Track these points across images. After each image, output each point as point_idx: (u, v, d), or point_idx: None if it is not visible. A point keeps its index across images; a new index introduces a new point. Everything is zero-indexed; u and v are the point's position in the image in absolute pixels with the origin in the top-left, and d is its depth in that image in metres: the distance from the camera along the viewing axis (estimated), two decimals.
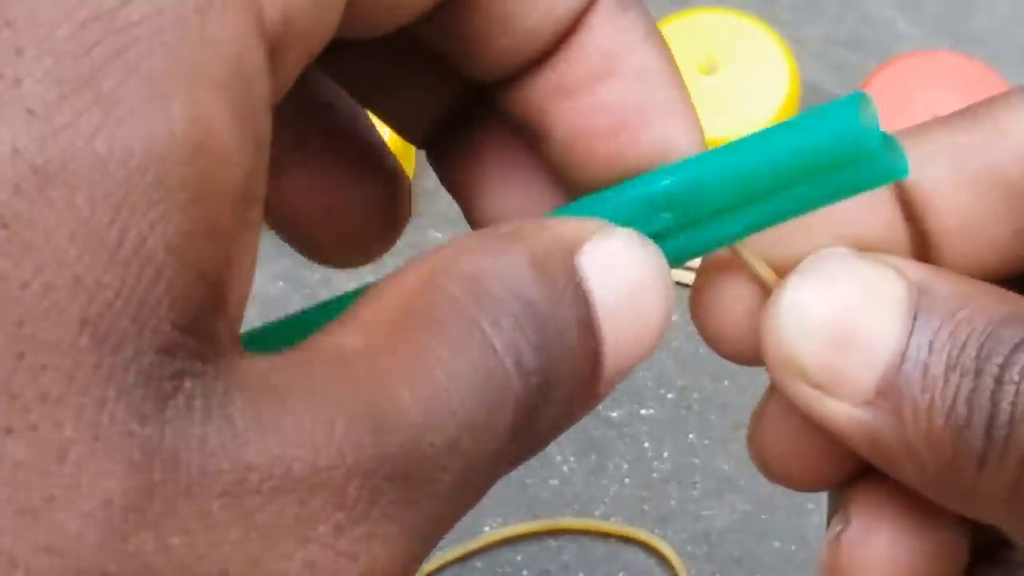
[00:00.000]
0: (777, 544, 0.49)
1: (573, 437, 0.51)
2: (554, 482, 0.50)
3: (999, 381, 0.19)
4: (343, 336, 0.18)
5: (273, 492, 0.16)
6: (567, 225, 0.20)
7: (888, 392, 0.20)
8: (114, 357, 0.16)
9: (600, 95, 0.22)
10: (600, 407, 0.52)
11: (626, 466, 0.51)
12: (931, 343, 0.20)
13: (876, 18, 0.61)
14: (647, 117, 0.22)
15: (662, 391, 0.52)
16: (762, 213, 0.21)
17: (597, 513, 0.50)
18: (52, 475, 0.15)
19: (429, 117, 0.25)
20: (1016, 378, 0.19)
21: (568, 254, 0.20)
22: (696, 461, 0.50)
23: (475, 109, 0.25)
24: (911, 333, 0.20)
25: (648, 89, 0.22)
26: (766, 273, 0.22)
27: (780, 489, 0.26)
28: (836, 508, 0.23)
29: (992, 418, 0.19)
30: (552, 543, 0.50)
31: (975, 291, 0.21)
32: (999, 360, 0.19)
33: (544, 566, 0.49)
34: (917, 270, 0.21)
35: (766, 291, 0.22)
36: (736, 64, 0.55)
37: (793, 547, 0.49)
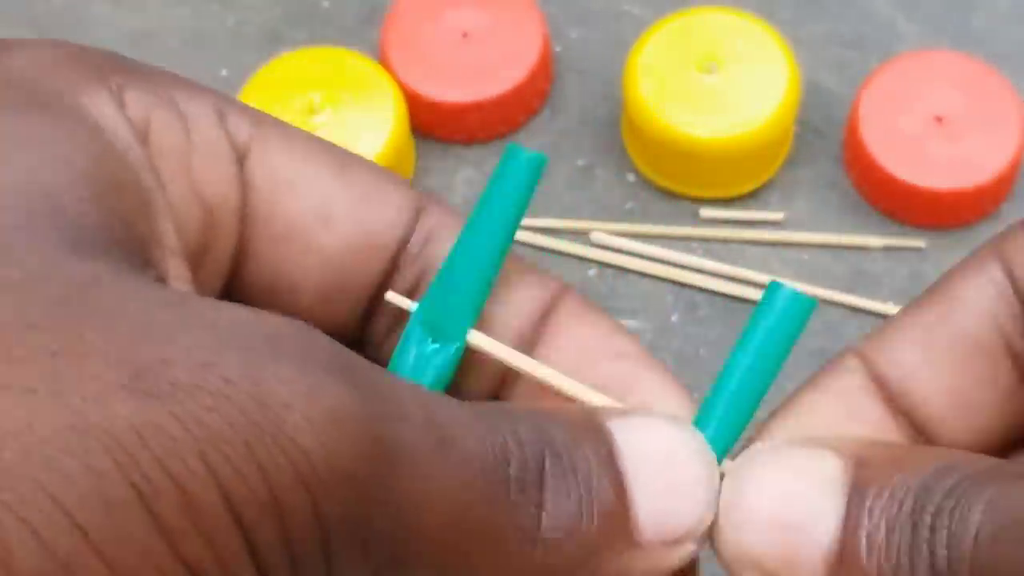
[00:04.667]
0: None
1: None
2: None
3: (933, 529, 0.20)
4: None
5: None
6: (600, 406, 0.22)
7: (839, 567, 0.20)
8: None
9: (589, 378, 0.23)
10: None
11: None
12: (871, 510, 0.20)
13: (876, 17, 0.61)
14: (634, 390, 0.23)
15: None
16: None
17: None
18: None
19: None
20: (947, 523, 0.19)
21: (594, 418, 0.21)
22: None
23: None
24: (852, 506, 0.21)
25: (633, 367, 0.23)
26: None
27: None
28: None
29: (932, 565, 0.20)
30: None
31: (909, 453, 0.21)
32: (931, 510, 0.20)
33: None
34: (852, 446, 0.21)
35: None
36: (736, 63, 0.55)
37: None
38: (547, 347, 0.24)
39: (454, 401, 0.20)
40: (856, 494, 0.20)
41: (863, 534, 0.20)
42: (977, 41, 0.59)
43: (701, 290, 0.54)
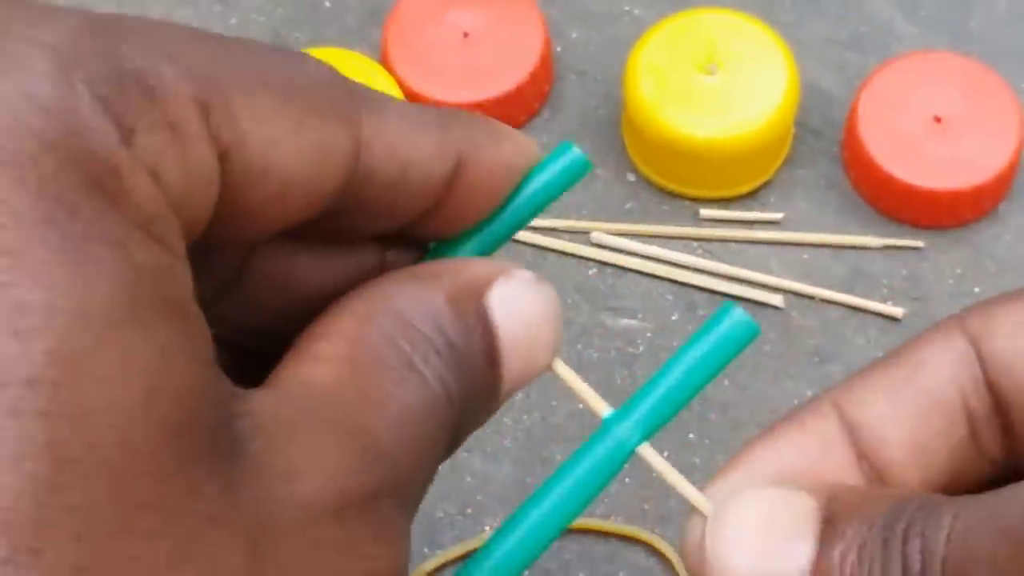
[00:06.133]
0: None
1: (573, 437, 0.51)
2: None
3: (905, 539, 0.22)
4: (310, 372, 0.22)
5: (300, 525, 0.19)
6: (477, 267, 0.24)
7: None
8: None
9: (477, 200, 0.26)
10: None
11: (626, 465, 0.51)
12: (843, 534, 0.23)
13: (876, 18, 0.61)
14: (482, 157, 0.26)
15: None
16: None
17: (597, 513, 0.50)
18: None
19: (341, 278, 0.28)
20: (919, 531, 0.22)
21: (479, 294, 0.23)
22: (696, 461, 0.50)
23: None
24: (825, 534, 0.23)
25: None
26: (696, 497, 0.26)
27: None
28: None
29: (906, 571, 0.22)
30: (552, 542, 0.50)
31: (876, 491, 0.24)
32: (903, 525, 0.22)
33: (544, 565, 0.49)
34: (824, 485, 0.24)
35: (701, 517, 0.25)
36: (736, 64, 0.55)
37: None
38: (458, 191, 0.25)
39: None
40: (829, 524, 0.23)
41: (836, 556, 0.22)
42: (976, 42, 0.60)
43: (701, 290, 0.54)
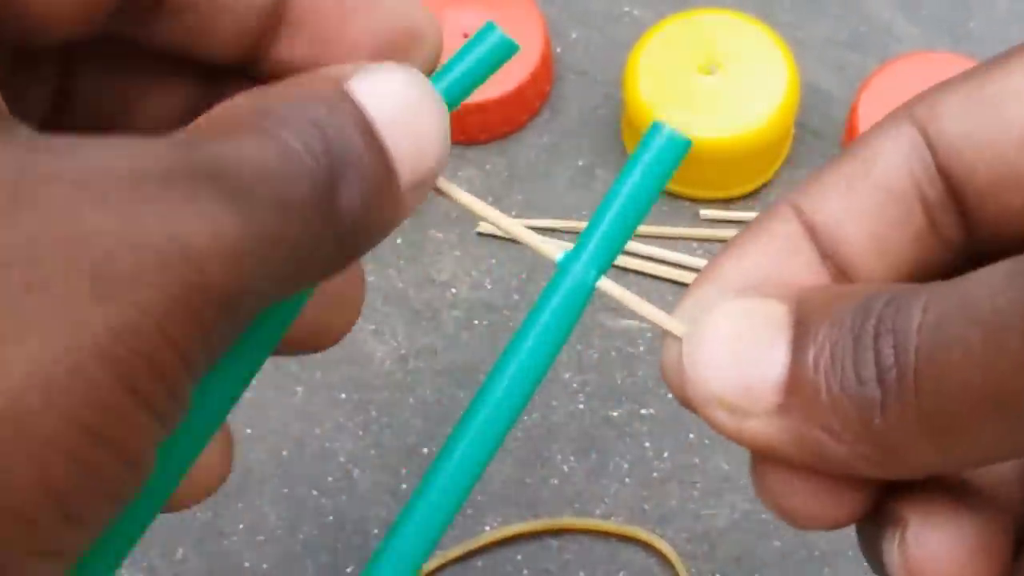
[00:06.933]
0: (777, 544, 0.49)
1: (573, 437, 0.51)
2: (554, 481, 0.51)
3: (876, 335, 0.22)
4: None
5: (115, 180, 0.19)
6: (333, 67, 0.24)
7: (791, 392, 0.23)
8: None
9: (352, 32, 0.25)
10: (600, 406, 0.52)
11: (626, 466, 0.51)
12: (814, 336, 0.23)
13: (876, 18, 0.61)
14: (397, 26, 0.26)
15: (662, 391, 0.52)
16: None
17: (597, 512, 0.50)
18: None
19: (178, 113, 0.27)
20: (889, 326, 0.22)
21: (337, 82, 0.23)
22: (696, 461, 0.50)
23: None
24: (797, 336, 0.23)
25: (384, 5, 0.26)
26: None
27: None
28: (881, 520, 0.25)
29: (879, 366, 0.22)
30: (552, 542, 0.50)
31: (844, 289, 0.23)
32: (873, 321, 0.22)
33: (544, 565, 0.49)
34: (791, 289, 0.24)
35: (667, 336, 0.25)
36: (736, 64, 0.55)
37: (793, 547, 0.49)
38: (299, 9, 0.25)
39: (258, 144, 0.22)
40: (800, 326, 0.23)
41: (810, 356, 0.22)
42: (976, 42, 0.60)
43: None
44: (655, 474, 0.50)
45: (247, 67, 0.26)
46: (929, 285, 0.22)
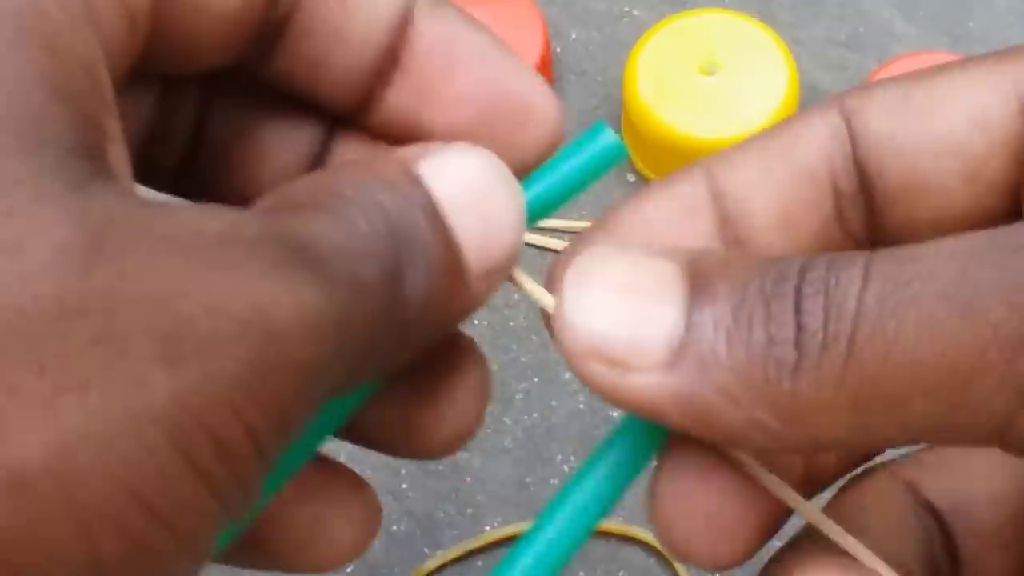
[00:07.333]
0: (777, 542, 0.49)
1: (573, 437, 0.51)
2: (554, 482, 0.51)
3: (800, 295, 0.21)
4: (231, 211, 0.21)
5: (204, 241, 0.19)
6: (405, 149, 0.23)
7: (683, 349, 0.21)
8: (33, 152, 0.18)
9: (459, 86, 0.25)
10: (601, 406, 0.52)
11: None
12: (712, 296, 0.21)
13: (875, 18, 0.61)
14: (507, 91, 0.26)
15: None
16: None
17: None
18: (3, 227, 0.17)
19: (297, 158, 0.27)
20: (821, 288, 0.20)
21: (406, 162, 0.22)
22: None
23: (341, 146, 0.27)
24: (693, 295, 0.22)
25: (498, 68, 0.26)
26: (541, 294, 0.24)
27: None
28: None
29: (801, 327, 0.20)
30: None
31: (738, 258, 0.22)
32: (793, 282, 0.21)
33: None
34: (683, 250, 0.23)
35: (547, 312, 0.24)
36: (736, 64, 0.55)
37: None
38: (412, 56, 0.25)
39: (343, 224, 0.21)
40: (696, 286, 0.21)
41: (707, 314, 0.21)
42: (975, 42, 0.60)
43: None
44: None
45: (359, 118, 0.26)
46: (863, 253, 0.21)
